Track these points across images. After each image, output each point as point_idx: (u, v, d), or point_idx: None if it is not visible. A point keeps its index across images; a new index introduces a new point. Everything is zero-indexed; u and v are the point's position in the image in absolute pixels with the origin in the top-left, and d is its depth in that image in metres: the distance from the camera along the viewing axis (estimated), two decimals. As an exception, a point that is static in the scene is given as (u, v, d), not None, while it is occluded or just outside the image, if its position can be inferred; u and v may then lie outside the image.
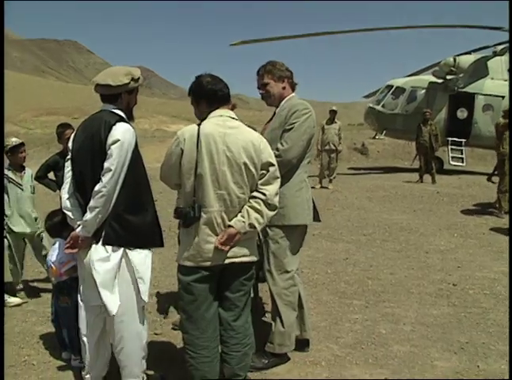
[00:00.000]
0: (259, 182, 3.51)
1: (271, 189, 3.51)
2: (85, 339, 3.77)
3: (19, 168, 5.99)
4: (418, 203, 12.70)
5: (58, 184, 6.12)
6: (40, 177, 6.37)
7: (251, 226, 3.44)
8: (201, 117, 3.60)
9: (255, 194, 3.50)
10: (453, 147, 19.70)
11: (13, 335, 4.80)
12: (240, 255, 3.51)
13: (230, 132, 3.47)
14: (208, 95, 3.58)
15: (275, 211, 3.57)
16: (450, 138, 19.54)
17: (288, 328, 4.18)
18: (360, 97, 31.18)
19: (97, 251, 3.60)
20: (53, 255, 4.10)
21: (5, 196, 5.80)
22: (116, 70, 3.74)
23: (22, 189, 5.94)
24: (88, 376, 3.79)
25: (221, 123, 3.50)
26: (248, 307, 3.72)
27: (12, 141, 5.91)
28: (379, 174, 19.51)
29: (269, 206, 3.50)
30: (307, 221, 4.23)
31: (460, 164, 19.67)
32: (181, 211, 3.44)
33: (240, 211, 3.46)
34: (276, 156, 3.89)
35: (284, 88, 4.23)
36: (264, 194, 3.48)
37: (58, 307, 4.22)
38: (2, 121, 6.09)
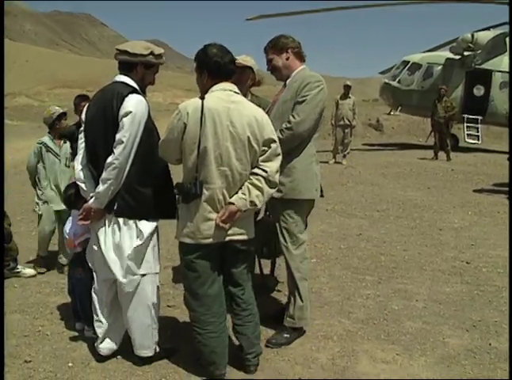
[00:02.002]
0: (260, 159, 3.45)
1: (272, 166, 3.46)
2: (98, 310, 3.81)
3: (59, 137, 5.95)
4: (433, 180, 12.61)
5: (73, 156, 6.10)
6: None
7: (252, 203, 3.40)
8: (203, 88, 3.54)
9: (256, 171, 3.44)
10: (469, 124, 19.49)
11: (28, 305, 4.85)
12: (239, 233, 3.50)
13: (233, 107, 3.40)
14: (212, 68, 3.49)
15: (275, 189, 3.55)
16: (466, 116, 19.32)
17: (305, 300, 4.18)
18: (375, 73, 30.90)
19: (109, 223, 3.62)
20: (68, 226, 4.13)
21: (41, 166, 5.76)
22: (138, 41, 3.76)
23: (59, 160, 5.88)
24: (101, 346, 3.83)
25: (225, 98, 3.42)
26: (250, 279, 3.79)
27: (55, 109, 5.86)
28: (393, 150, 19.37)
29: (270, 183, 3.45)
30: (316, 195, 4.19)
31: (476, 141, 19.48)
32: (182, 187, 3.39)
33: (241, 188, 3.42)
34: (287, 128, 3.87)
35: (287, 58, 4.11)
36: (265, 171, 3.43)
37: (72, 278, 4.25)
38: (2, 116, 6.08)
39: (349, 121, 14.98)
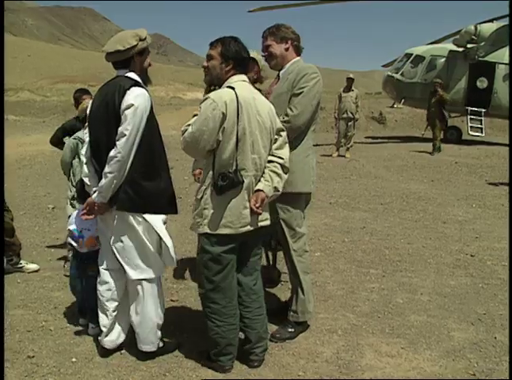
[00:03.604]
0: (274, 146, 3.58)
1: (286, 153, 3.62)
2: (105, 303, 3.78)
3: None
4: (436, 172, 12.57)
5: None
6: (55, 141, 6.23)
7: (276, 189, 3.52)
8: (218, 76, 3.55)
9: (273, 158, 3.56)
10: (472, 117, 19.38)
11: (31, 300, 4.84)
12: (265, 218, 3.61)
13: (257, 97, 3.53)
14: (240, 61, 3.56)
15: (287, 175, 3.63)
16: (469, 108, 19.22)
17: (307, 294, 4.17)
18: (378, 66, 30.83)
19: (115, 217, 3.60)
20: (73, 222, 4.07)
21: (77, 162, 5.39)
22: (121, 35, 3.69)
23: None
24: (105, 339, 3.82)
25: (249, 88, 3.54)
26: (259, 270, 3.81)
27: (87, 102, 5.34)
28: (396, 143, 19.30)
29: (285, 169, 3.59)
30: (312, 189, 4.18)
31: (479, 134, 19.38)
32: (227, 176, 3.34)
33: (262, 176, 3.51)
34: (285, 122, 3.88)
35: (287, 49, 4.07)
36: (282, 158, 3.57)
37: (83, 275, 4.17)
38: (2, 113, 6.02)
39: (352, 114, 14.92)
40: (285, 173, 3.59)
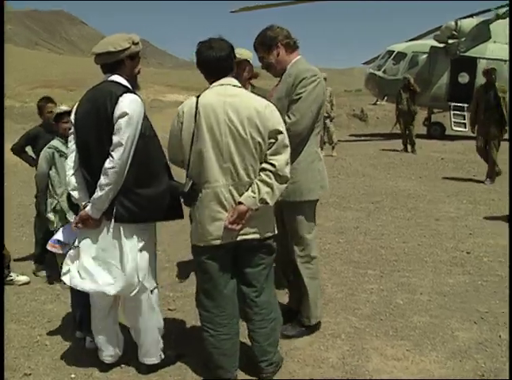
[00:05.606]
0: (268, 152, 3.28)
1: (281, 159, 3.27)
2: (97, 317, 3.66)
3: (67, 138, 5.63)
4: (423, 169, 12.57)
5: (35, 161, 5.72)
6: (17, 149, 6.04)
7: (262, 201, 3.24)
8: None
9: (264, 166, 3.28)
10: (456, 112, 19.42)
11: (24, 314, 4.69)
12: (252, 232, 3.35)
13: (230, 100, 3.26)
14: (205, 65, 3.40)
15: (286, 184, 3.35)
16: (452, 104, 19.28)
17: (312, 300, 4.10)
18: (356, 63, 30.90)
19: (104, 231, 3.46)
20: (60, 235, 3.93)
21: (54, 172, 5.04)
22: (113, 37, 3.55)
23: None
24: (104, 353, 3.70)
25: (221, 92, 3.31)
26: (271, 281, 3.60)
27: (60, 108, 5.13)
28: (381, 141, 19.31)
29: (280, 178, 3.27)
30: (319, 195, 4.07)
31: (463, 129, 19.42)
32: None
33: (250, 185, 3.28)
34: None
35: (278, 54, 3.94)
36: (273, 165, 3.25)
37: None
38: (2, 114, 5.87)
39: (327, 113, 14.82)
40: (282, 182, 3.28)
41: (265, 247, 3.46)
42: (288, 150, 3.35)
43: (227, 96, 3.28)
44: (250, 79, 4.63)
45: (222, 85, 3.36)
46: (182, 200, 3.39)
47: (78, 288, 3.53)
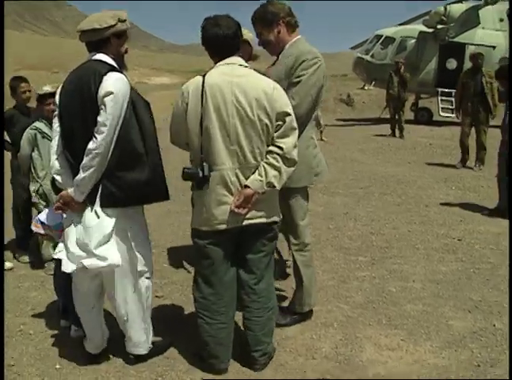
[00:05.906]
0: (275, 135, 3.19)
1: (288, 142, 3.18)
2: (82, 306, 3.52)
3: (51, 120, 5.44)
4: (412, 154, 12.50)
5: (12, 143, 5.56)
6: None
7: (269, 184, 3.16)
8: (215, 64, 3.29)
9: (272, 148, 3.18)
10: (443, 98, 19.33)
11: (7, 302, 4.51)
12: (258, 216, 3.25)
13: (238, 81, 3.14)
14: (211, 43, 3.27)
15: (294, 167, 3.26)
16: (440, 89, 19.20)
17: (306, 288, 4.01)
18: (344, 47, 30.75)
19: (90, 213, 3.30)
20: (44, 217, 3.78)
21: (36, 154, 5.03)
22: (99, 14, 3.38)
23: None
24: (89, 344, 3.57)
25: (228, 72, 3.18)
26: (270, 269, 3.51)
27: (43, 89, 4.97)
28: (368, 125, 19.20)
29: (288, 161, 3.19)
30: (311, 181, 3.96)
31: (450, 115, 19.34)
32: (188, 172, 3.17)
33: (257, 169, 3.18)
34: None
35: (279, 32, 3.77)
36: (281, 148, 3.16)
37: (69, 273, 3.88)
38: (2, 112, 5.63)
39: None
40: (289, 165, 3.21)
41: (269, 231, 3.38)
42: (296, 132, 3.25)
43: (233, 77, 3.16)
44: (248, 61, 4.48)
45: (228, 64, 3.23)
46: (195, 184, 3.23)
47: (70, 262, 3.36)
